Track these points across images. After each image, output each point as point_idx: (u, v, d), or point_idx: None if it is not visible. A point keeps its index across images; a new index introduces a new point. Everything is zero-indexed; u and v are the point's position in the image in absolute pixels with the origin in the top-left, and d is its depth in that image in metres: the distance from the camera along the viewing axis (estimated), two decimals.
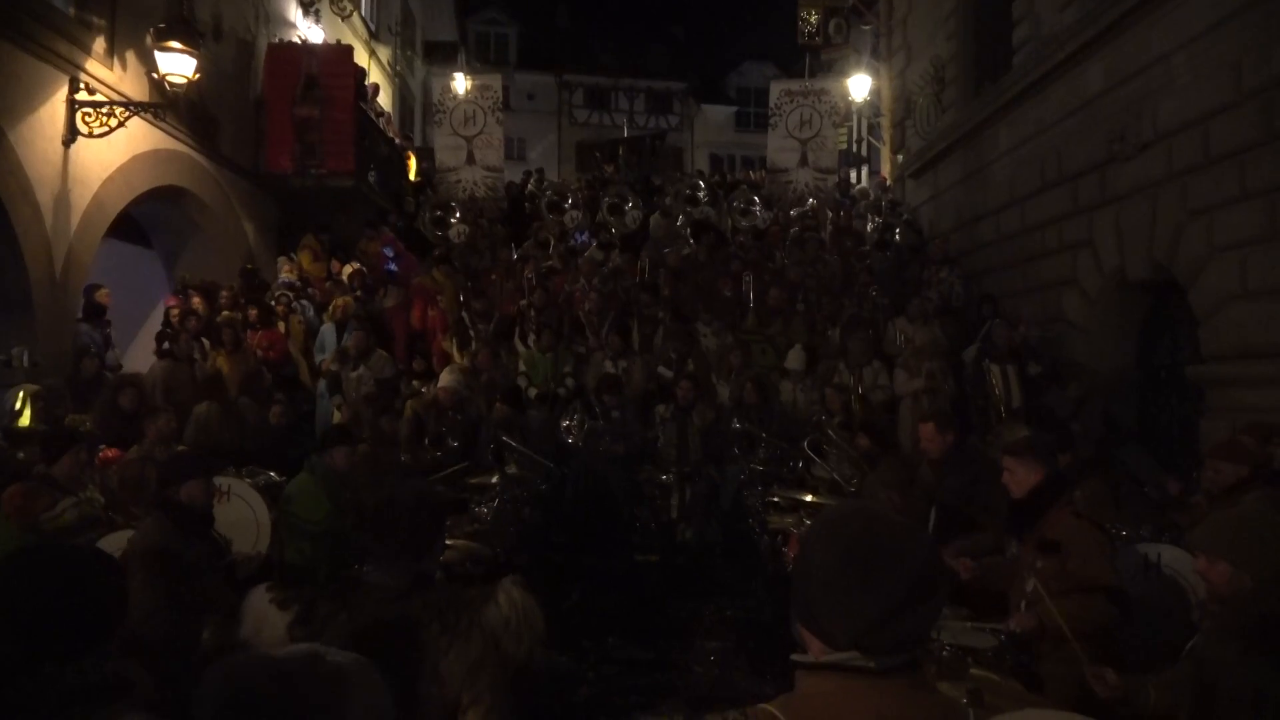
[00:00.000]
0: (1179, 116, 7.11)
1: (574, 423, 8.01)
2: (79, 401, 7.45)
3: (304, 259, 11.58)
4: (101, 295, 8.86)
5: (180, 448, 6.10)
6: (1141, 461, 6.77)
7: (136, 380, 7.80)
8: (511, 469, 7.03)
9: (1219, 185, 6.65)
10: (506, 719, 2.23)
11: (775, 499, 6.82)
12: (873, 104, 17.91)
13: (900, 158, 15.38)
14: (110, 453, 6.16)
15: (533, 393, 8.84)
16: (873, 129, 18.92)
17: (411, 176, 16.41)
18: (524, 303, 10.07)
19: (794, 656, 1.41)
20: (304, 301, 10.31)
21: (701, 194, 13.54)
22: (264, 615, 2.29)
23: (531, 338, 9.46)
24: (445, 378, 8.17)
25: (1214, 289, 6.76)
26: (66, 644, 1.77)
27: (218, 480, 5.54)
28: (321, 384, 8.90)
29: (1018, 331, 8.44)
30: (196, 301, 9.53)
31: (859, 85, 17.25)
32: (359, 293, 10.23)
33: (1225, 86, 6.57)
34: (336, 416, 8.44)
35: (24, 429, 6.58)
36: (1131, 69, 7.80)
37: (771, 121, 16.11)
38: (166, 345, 8.75)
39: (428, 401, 7.99)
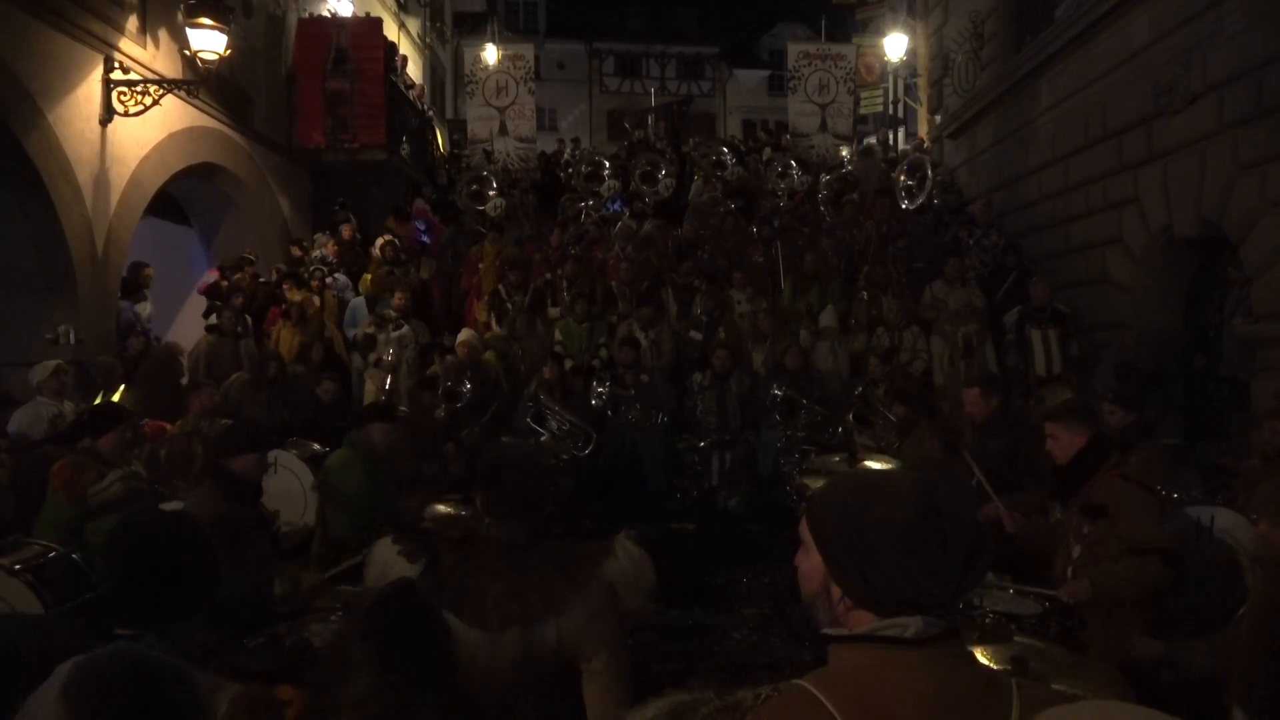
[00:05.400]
0: (1230, 67, 6.85)
1: (604, 390, 8.02)
2: (126, 378, 7.59)
3: (345, 231, 11.63)
4: (146, 275, 9.04)
5: (224, 421, 6.19)
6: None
7: (177, 352, 7.94)
8: (546, 439, 7.07)
9: (1272, 138, 6.42)
10: (625, 665, 2.32)
11: (814, 466, 6.80)
12: (909, 63, 17.53)
13: (938, 118, 15.07)
14: (152, 425, 6.27)
15: (569, 364, 8.84)
16: (909, 89, 18.53)
17: (440, 148, 16.38)
18: (551, 275, 10.03)
19: (826, 630, 1.37)
20: (338, 276, 10.39)
21: (728, 158, 13.38)
22: (391, 565, 2.40)
23: (566, 306, 9.48)
24: (463, 335, 8.36)
25: (1267, 245, 6.54)
26: (168, 613, 1.82)
27: (268, 452, 5.65)
28: (358, 358, 8.98)
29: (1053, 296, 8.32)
30: (238, 276, 9.66)
31: (894, 44, 16.88)
32: (392, 268, 10.25)
33: (1278, 35, 6.31)
34: (370, 383, 8.53)
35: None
36: (1179, 19, 7.53)
37: (791, 85, 15.86)
38: (212, 320, 8.90)
39: (448, 365, 8.11)
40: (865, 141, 15.55)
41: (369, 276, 9.99)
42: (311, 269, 10.19)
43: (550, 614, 2.25)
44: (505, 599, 2.26)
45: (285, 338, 8.67)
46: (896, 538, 1.29)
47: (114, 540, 1.97)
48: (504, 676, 2.20)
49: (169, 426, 6.36)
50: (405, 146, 13.70)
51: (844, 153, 14.75)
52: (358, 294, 10.18)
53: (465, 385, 7.50)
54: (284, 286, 9.65)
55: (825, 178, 13.14)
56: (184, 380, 7.55)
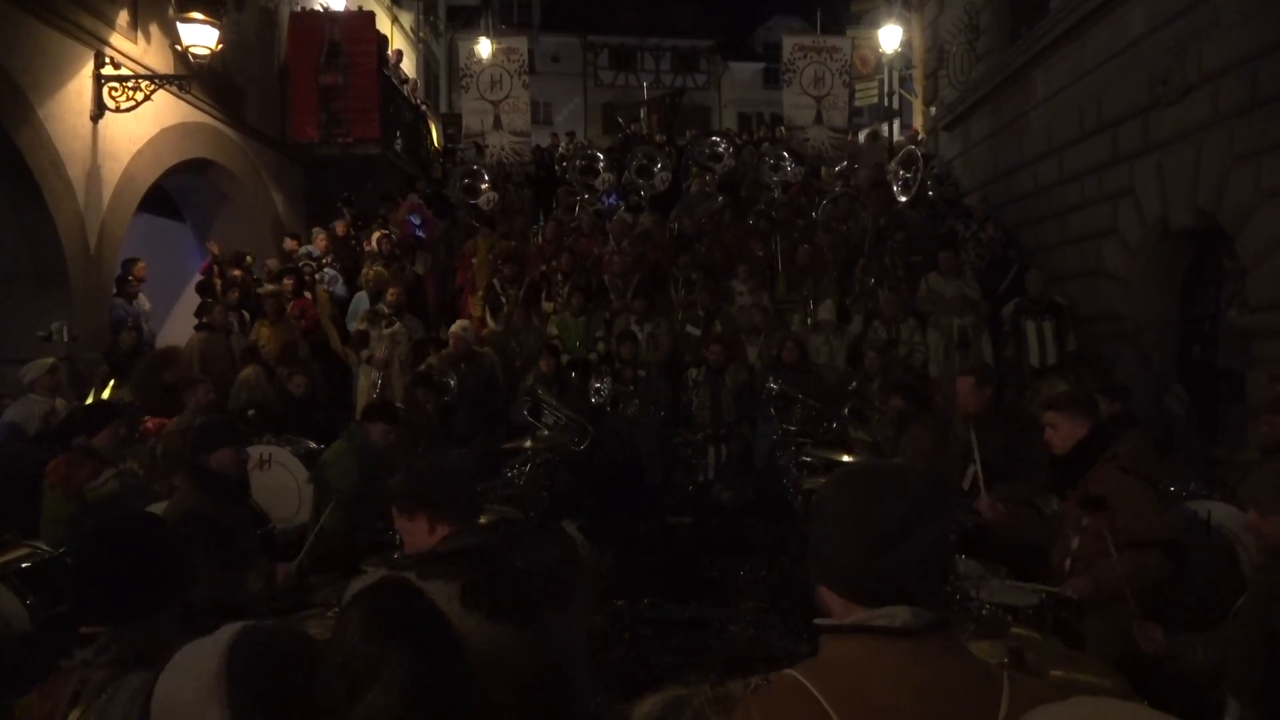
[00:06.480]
0: (1225, 58, 6.83)
1: (603, 385, 8.01)
2: (117, 375, 7.55)
3: (339, 228, 11.61)
4: (138, 270, 9.00)
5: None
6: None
7: (175, 353, 7.90)
8: (544, 432, 7.05)
9: (1267, 128, 6.40)
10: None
11: (809, 459, 6.78)
12: (904, 55, 17.49)
13: (933, 110, 15.04)
14: (153, 422, 6.24)
15: (565, 359, 8.81)
16: (904, 82, 18.49)
17: (435, 143, 16.33)
18: (545, 267, 10.00)
19: (818, 621, 1.37)
20: (328, 271, 10.36)
21: (722, 148, 13.34)
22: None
23: (561, 301, 9.44)
24: (455, 326, 8.36)
25: (1262, 236, 6.54)
26: (130, 611, 1.81)
27: (260, 449, 5.61)
28: (352, 353, 8.96)
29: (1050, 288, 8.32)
30: (236, 272, 9.61)
31: (890, 36, 16.83)
32: (389, 264, 10.21)
33: (1273, 26, 6.30)
34: (363, 379, 8.50)
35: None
36: (1174, 10, 7.51)
37: (785, 78, 15.83)
38: (205, 317, 8.85)
39: (440, 357, 8.11)
40: (873, 127, 15.56)
41: (369, 272, 9.95)
42: (301, 264, 10.16)
43: (568, 599, 2.36)
44: (536, 592, 2.29)
45: (265, 334, 8.60)
46: (830, 515, 1.34)
47: (77, 541, 2.00)
48: (566, 663, 2.27)
49: (170, 423, 6.32)
50: (399, 141, 13.66)
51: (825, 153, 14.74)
52: (347, 288, 10.16)
53: (451, 379, 7.46)
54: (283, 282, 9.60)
55: (833, 171, 13.14)
56: (176, 379, 7.51)
